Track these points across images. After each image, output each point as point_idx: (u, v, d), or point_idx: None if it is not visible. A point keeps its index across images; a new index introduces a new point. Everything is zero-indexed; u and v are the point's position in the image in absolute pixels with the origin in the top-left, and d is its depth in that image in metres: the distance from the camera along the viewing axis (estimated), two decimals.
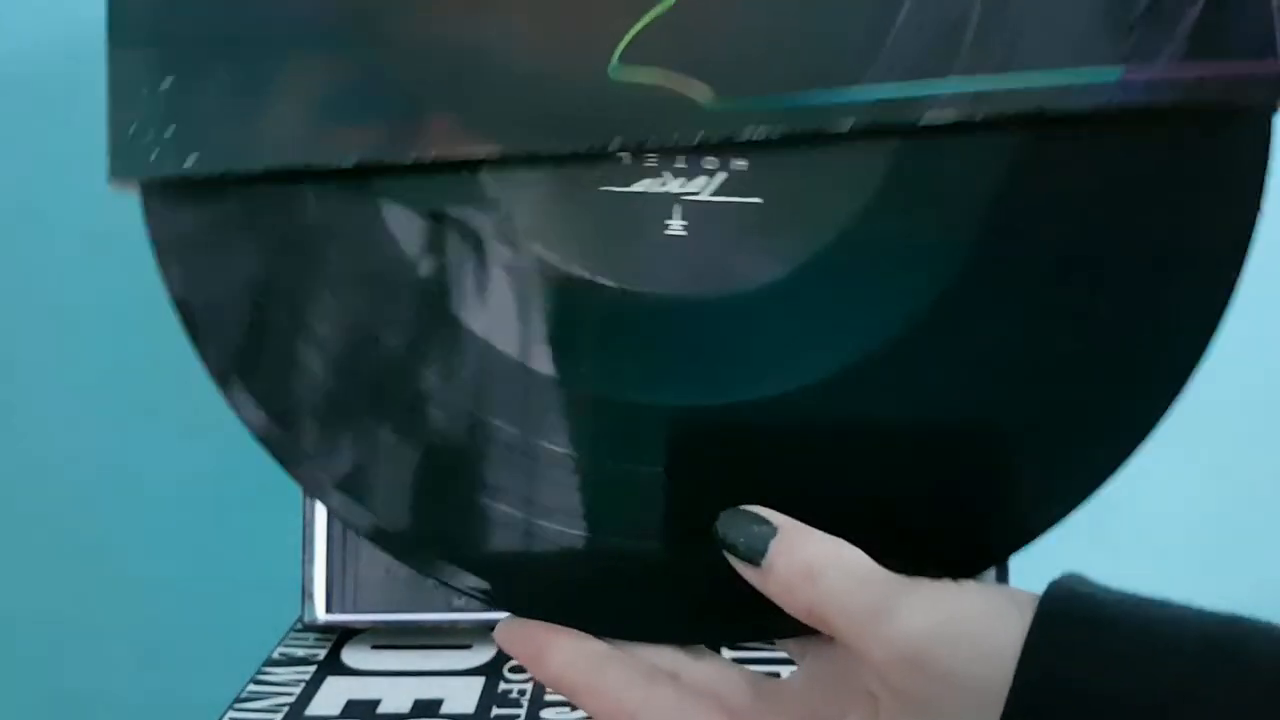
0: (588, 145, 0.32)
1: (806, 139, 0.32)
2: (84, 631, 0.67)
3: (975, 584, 0.30)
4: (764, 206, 0.33)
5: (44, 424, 0.67)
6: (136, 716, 0.67)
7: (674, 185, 0.33)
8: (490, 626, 0.54)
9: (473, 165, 0.32)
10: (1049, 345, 0.32)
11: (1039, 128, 0.32)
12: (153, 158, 0.32)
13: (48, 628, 0.68)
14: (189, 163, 0.32)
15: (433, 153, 0.32)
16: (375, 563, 0.53)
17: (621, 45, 0.32)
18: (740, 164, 0.33)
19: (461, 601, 0.53)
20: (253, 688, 0.49)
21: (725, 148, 0.32)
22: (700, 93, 0.32)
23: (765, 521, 0.32)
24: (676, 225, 0.33)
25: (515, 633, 0.33)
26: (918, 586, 0.30)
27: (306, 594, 0.52)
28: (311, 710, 0.47)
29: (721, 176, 0.33)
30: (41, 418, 0.67)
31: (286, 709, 0.47)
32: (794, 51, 0.32)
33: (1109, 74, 0.32)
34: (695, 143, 0.32)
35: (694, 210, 0.33)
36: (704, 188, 0.33)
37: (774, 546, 0.31)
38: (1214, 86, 0.31)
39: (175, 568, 0.67)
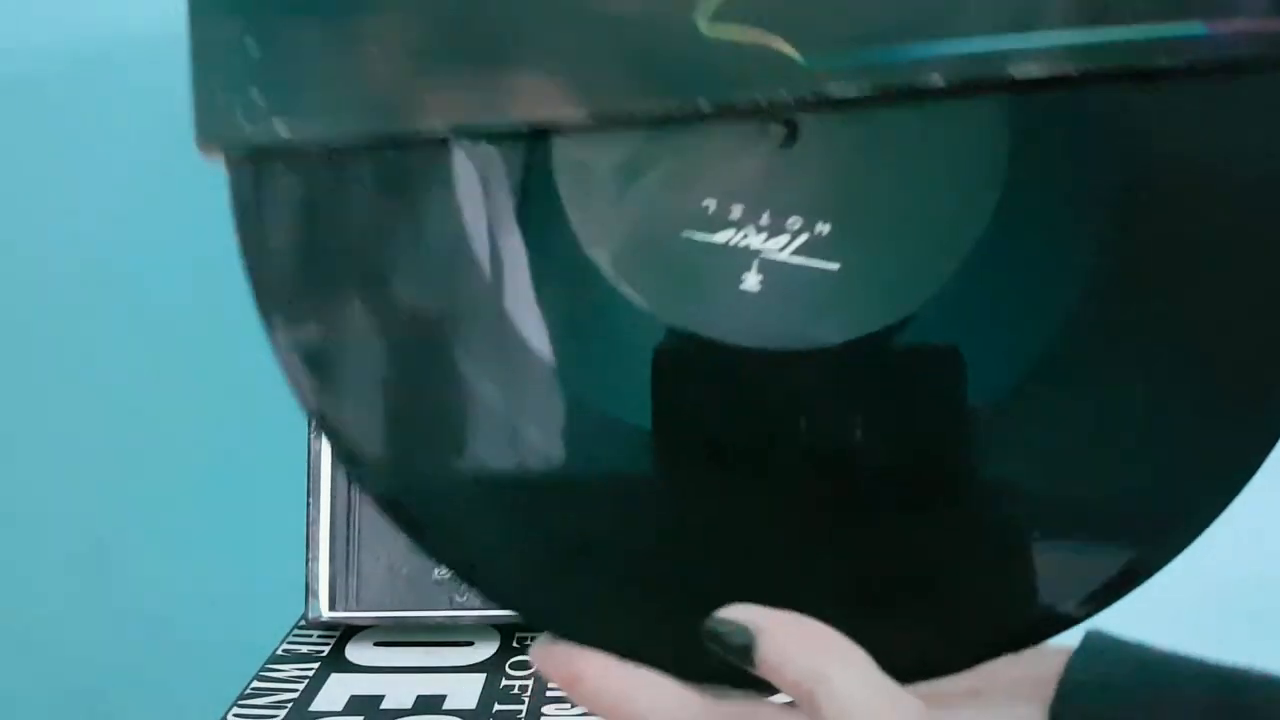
0: (677, 106, 0.31)
1: (901, 96, 0.31)
2: (90, 629, 0.68)
3: (999, 707, 0.30)
4: (841, 273, 0.32)
5: (49, 424, 0.67)
6: (142, 712, 0.68)
7: (755, 241, 0.33)
8: (491, 624, 0.55)
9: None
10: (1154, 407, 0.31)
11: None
12: (239, 122, 0.31)
13: (55, 625, 0.68)
14: (278, 128, 0.31)
15: (522, 115, 0.31)
16: (378, 560, 0.53)
17: (713, 2, 0.31)
18: (823, 228, 0.32)
19: (463, 599, 0.53)
20: (257, 684, 0.49)
21: (819, 103, 0.31)
22: (789, 50, 0.31)
23: (745, 629, 0.30)
24: (752, 281, 0.33)
25: (551, 656, 0.32)
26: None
27: (310, 591, 0.53)
28: (315, 706, 0.47)
29: (803, 238, 0.32)
30: (47, 418, 0.67)
31: (290, 705, 0.47)
32: (882, 4, 0.31)
33: (1195, 28, 0.31)
34: (783, 102, 0.31)
35: (771, 269, 0.32)
36: (784, 247, 0.33)
37: (759, 654, 0.30)
38: None
39: (180, 565, 0.67)
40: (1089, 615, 0.31)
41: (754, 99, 0.31)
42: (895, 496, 0.32)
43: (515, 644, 0.54)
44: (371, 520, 0.54)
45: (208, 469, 0.67)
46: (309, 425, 0.53)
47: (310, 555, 0.53)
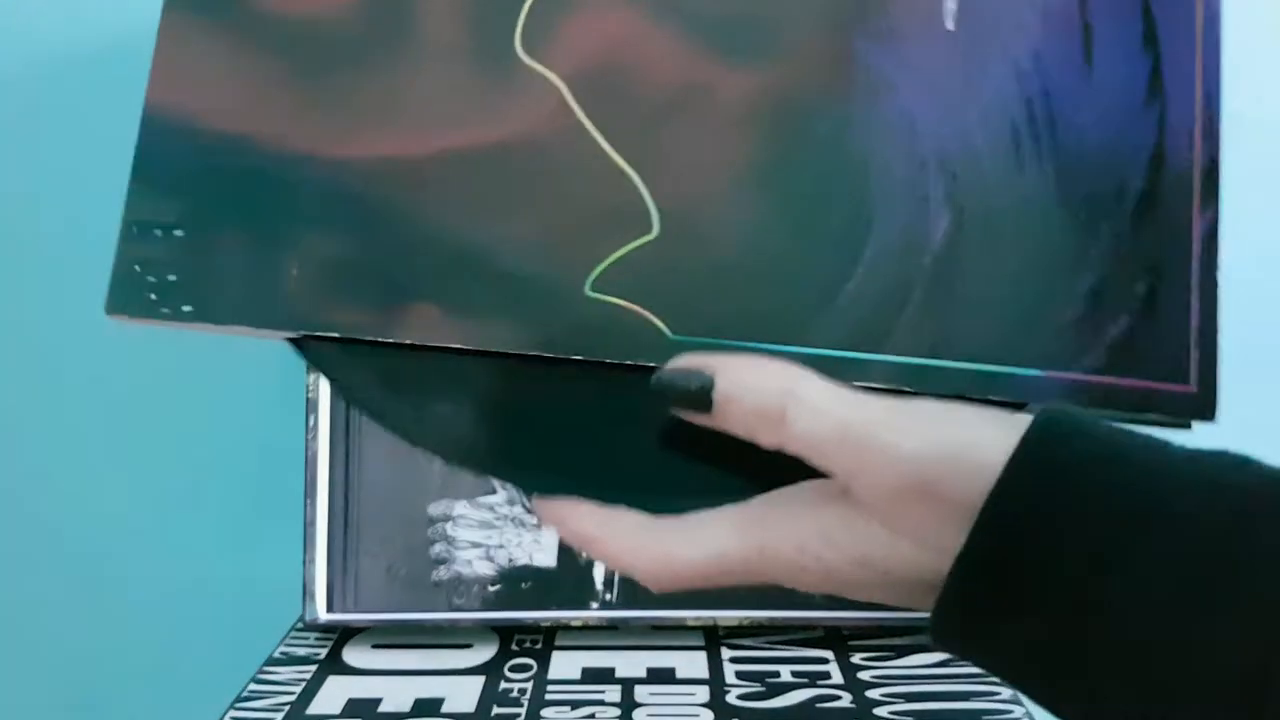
0: (552, 353, 0.35)
1: None
2: (88, 631, 0.68)
3: (964, 404, 0.31)
4: None
5: (46, 428, 0.67)
6: (140, 714, 0.68)
7: None
8: (490, 626, 0.54)
9: None
10: None
11: None
12: (151, 299, 0.34)
13: (53, 627, 0.68)
14: (184, 310, 0.34)
15: (411, 338, 0.34)
16: (376, 562, 0.53)
17: (598, 271, 0.35)
18: None
19: (462, 600, 0.53)
20: (254, 687, 0.49)
21: None
22: (659, 324, 0.35)
23: (700, 370, 0.32)
24: None
25: (543, 506, 0.35)
26: (903, 409, 0.30)
27: (308, 593, 0.53)
28: (312, 709, 0.47)
29: None
30: (43, 422, 0.67)
31: (288, 708, 0.47)
32: (750, 301, 0.35)
33: (1031, 371, 0.35)
34: (648, 365, 0.34)
35: None
36: None
37: (719, 391, 0.32)
38: (1127, 398, 0.35)
39: (177, 567, 0.67)
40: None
41: (619, 361, 0.35)
42: None
43: (514, 646, 0.53)
44: (370, 522, 0.53)
45: (205, 470, 0.67)
46: (306, 426, 0.53)
47: (307, 557, 0.53)
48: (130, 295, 0.35)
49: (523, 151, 0.36)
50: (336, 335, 0.34)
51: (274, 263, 0.35)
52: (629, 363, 0.35)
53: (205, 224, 0.35)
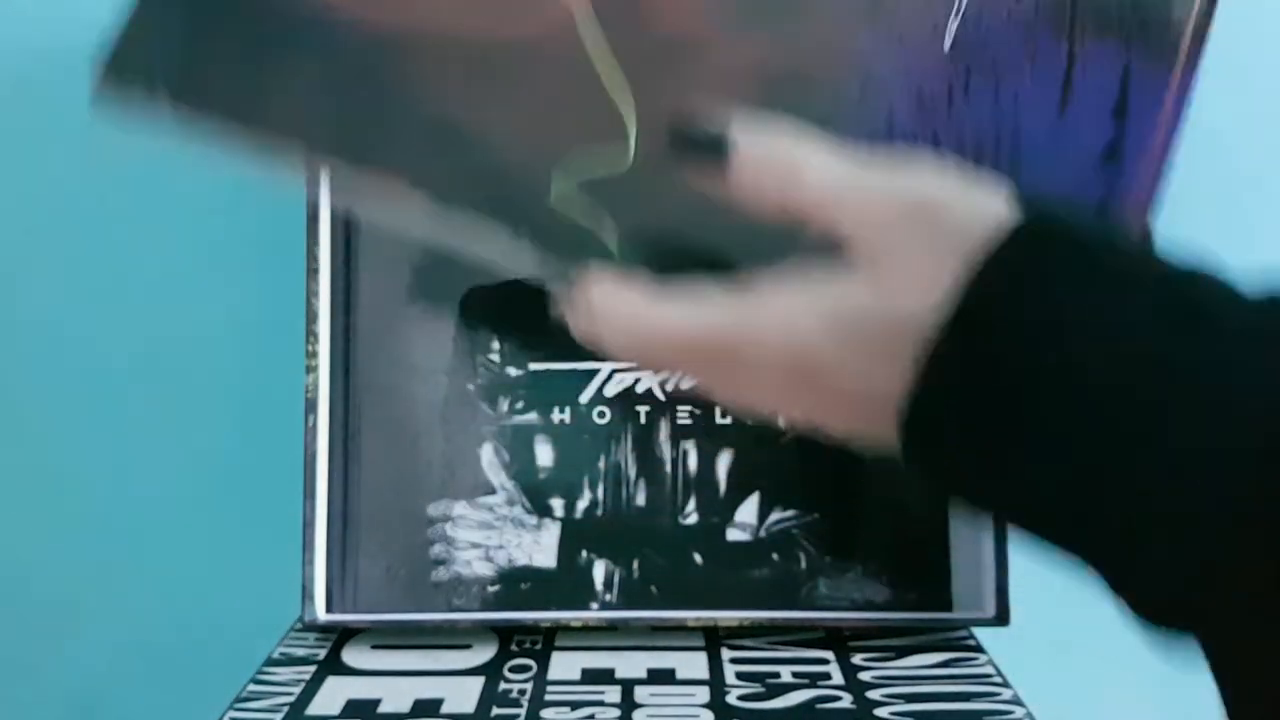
0: (497, 228, 0.36)
1: None
2: (85, 632, 0.67)
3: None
4: None
5: (42, 427, 0.67)
6: (139, 714, 0.67)
7: None
8: (490, 626, 0.54)
9: None
10: None
11: None
12: (139, 76, 0.36)
13: (49, 629, 0.68)
14: (164, 90, 0.36)
15: (372, 197, 0.36)
16: (376, 563, 0.53)
17: (564, 182, 0.37)
18: None
19: (461, 601, 0.53)
20: (253, 687, 0.49)
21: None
22: (608, 245, 0.37)
23: (719, 126, 0.33)
24: None
25: (595, 288, 0.35)
26: (919, 161, 0.32)
27: (307, 594, 0.52)
28: (311, 710, 0.47)
29: None
30: (40, 421, 0.67)
31: (287, 709, 0.47)
32: (697, 247, 0.37)
33: None
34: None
35: None
36: None
37: (737, 137, 0.33)
38: None
39: (175, 568, 0.67)
40: None
41: (565, 264, 0.36)
42: None
43: (514, 647, 0.53)
44: (369, 522, 0.53)
45: (204, 470, 0.67)
46: (305, 425, 0.53)
47: (306, 557, 0.52)
48: (123, 68, 0.36)
49: (521, 56, 0.38)
50: None
51: (260, 82, 0.37)
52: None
53: (211, 30, 0.37)
